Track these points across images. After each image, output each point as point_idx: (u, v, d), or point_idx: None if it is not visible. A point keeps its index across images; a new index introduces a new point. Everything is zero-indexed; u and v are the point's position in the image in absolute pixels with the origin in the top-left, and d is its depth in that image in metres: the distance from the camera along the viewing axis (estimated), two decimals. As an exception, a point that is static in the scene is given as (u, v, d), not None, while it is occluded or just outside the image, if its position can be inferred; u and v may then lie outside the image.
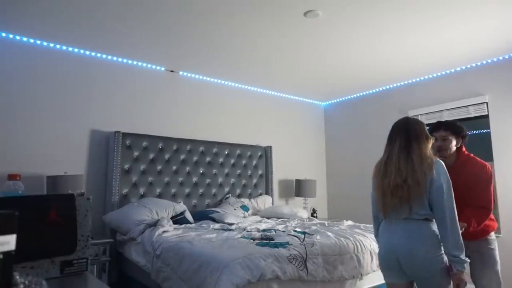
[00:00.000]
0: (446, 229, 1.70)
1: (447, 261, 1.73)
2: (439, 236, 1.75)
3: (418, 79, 4.33)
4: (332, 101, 5.45)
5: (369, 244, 2.58)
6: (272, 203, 4.47)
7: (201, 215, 3.55)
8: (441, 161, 1.85)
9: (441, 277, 1.72)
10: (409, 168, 1.78)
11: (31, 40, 3.17)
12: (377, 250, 2.57)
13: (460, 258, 1.67)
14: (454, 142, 2.23)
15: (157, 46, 3.35)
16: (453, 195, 1.76)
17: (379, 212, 1.97)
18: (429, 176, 1.75)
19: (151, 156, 3.65)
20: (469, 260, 1.72)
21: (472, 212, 2.07)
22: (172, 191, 3.76)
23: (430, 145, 1.87)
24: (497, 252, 2.20)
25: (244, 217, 3.72)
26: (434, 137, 2.14)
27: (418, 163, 1.77)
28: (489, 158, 3.58)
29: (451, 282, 1.72)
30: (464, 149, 2.29)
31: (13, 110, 3.05)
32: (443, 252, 1.74)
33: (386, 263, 1.87)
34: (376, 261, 2.53)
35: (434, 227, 1.78)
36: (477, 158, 2.26)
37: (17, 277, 0.58)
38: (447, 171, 1.80)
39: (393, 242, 1.82)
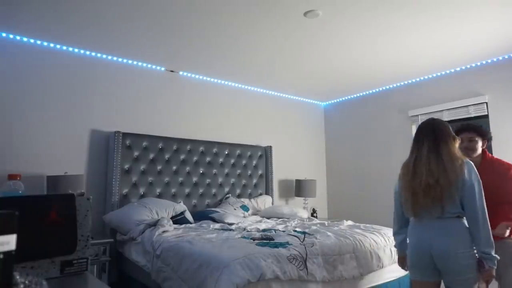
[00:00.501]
0: (478, 228, 1.76)
1: (476, 256, 1.78)
2: (465, 231, 1.80)
3: (418, 79, 4.33)
4: (332, 101, 5.45)
5: (369, 244, 2.58)
6: (272, 203, 4.47)
7: (201, 215, 3.56)
8: (471, 161, 1.89)
9: (472, 272, 1.77)
10: (440, 169, 1.82)
11: (31, 40, 3.17)
12: (377, 250, 2.58)
13: (491, 255, 1.73)
14: (480, 143, 2.32)
15: (157, 46, 3.35)
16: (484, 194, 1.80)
17: (407, 211, 1.99)
18: (460, 176, 1.79)
19: (151, 156, 3.65)
20: (499, 258, 1.77)
21: (509, 210, 2.14)
22: (172, 191, 3.76)
23: (457, 145, 1.92)
24: None
25: (244, 217, 3.72)
26: (460, 138, 2.22)
27: (449, 164, 1.81)
28: (489, 158, 3.58)
29: (479, 278, 1.78)
30: (487, 151, 2.38)
31: (13, 110, 3.05)
32: (474, 248, 1.79)
33: (418, 260, 1.90)
34: (376, 261, 2.53)
35: (466, 223, 1.83)
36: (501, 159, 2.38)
37: (17, 277, 0.58)
38: (477, 172, 1.85)
39: (426, 239, 1.86)
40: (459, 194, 1.80)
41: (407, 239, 2.03)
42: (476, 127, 2.35)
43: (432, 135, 1.91)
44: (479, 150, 2.33)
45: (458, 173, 1.79)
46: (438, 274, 1.87)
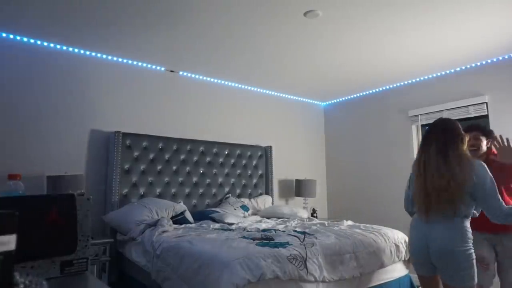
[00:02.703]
0: (502, 222, 1.81)
1: (473, 254, 1.84)
2: (470, 232, 1.86)
3: (418, 79, 4.32)
4: (332, 101, 5.45)
5: (369, 244, 2.58)
6: (272, 203, 4.47)
7: (201, 215, 3.55)
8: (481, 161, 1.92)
9: (468, 270, 1.81)
10: (450, 171, 1.84)
11: (31, 40, 3.17)
12: (377, 250, 2.58)
13: None
14: (484, 142, 2.42)
15: (157, 46, 3.35)
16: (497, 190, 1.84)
17: (419, 210, 2.00)
18: (470, 177, 1.81)
19: (151, 156, 3.65)
20: None
21: None
22: (172, 191, 3.76)
23: (466, 145, 1.94)
24: None
25: (244, 217, 3.72)
26: (467, 138, 2.30)
27: (458, 166, 1.83)
28: (489, 158, 3.58)
29: (475, 276, 1.82)
30: (491, 151, 2.47)
31: (13, 110, 3.05)
32: (471, 246, 1.84)
33: (419, 256, 1.96)
34: (376, 261, 2.53)
35: (467, 223, 1.88)
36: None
37: (17, 277, 0.58)
38: (488, 170, 1.87)
39: (427, 237, 1.90)
40: (472, 195, 1.83)
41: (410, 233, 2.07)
42: (479, 126, 2.48)
43: (441, 136, 1.92)
44: (484, 149, 2.43)
45: (467, 174, 1.81)
46: (437, 268, 1.93)
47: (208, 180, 4.05)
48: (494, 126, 3.60)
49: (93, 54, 3.51)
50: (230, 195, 4.15)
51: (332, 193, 5.31)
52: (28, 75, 3.14)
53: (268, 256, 2.01)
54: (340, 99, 5.32)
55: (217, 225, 3.15)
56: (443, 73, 4.08)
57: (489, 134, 2.45)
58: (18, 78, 3.09)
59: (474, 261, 1.84)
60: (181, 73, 4.11)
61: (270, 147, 4.65)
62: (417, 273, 2.04)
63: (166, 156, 3.76)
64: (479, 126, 2.51)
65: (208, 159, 4.08)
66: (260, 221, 3.53)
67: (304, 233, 2.69)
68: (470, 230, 1.88)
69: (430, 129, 2.01)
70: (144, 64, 3.83)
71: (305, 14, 2.71)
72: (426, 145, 1.98)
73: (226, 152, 4.25)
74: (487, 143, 2.44)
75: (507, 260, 2.30)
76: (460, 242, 1.82)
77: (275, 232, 2.78)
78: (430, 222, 1.91)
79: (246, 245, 2.22)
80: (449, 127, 1.94)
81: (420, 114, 4.21)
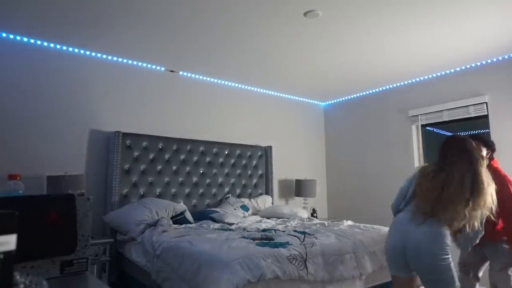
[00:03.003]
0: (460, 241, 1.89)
1: (450, 260, 1.83)
2: (449, 239, 1.87)
3: (418, 79, 4.32)
4: (332, 101, 5.45)
5: (369, 244, 2.58)
6: (272, 203, 4.47)
7: (201, 215, 3.55)
8: None
9: (444, 274, 1.80)
10: (475, 192, 1.83)
11: (31, 40, 3.17)
12: (377, 250, 2.58)
13: None
14: (484, 153, 2.48)
15: (157, 46, 3.35)
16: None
17: (418, 206, 1.98)
18: (485, 204, 1.83)
19: (151, 156, 3.65)
20: None
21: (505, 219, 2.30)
22: (172, 191, 3.76)
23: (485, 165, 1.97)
24: None
25: (244, 217, 3.72)
26: None
27: (485, 189, 1.83)
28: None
29: (455, 282, 1.82)
30: (494, 160, 2.55)
31: (13, 110, 3.05)
32: (449, 252, 1.84)
33: (394, 254, 1.96)
34: (376, 261, 2.53)
35: (449, 233, 1.88)
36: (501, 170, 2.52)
37: (18, 277, 0.58)
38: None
39: (406, 237, 1.90)
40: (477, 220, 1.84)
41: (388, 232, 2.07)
42: (480, 137, 2.56)
43: (466, 156, 1.91)
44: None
45: (493, 197, 1.83)
46: (412, 268, 1.93)
47: (208, 180, 4.05)
48: (494, 126, 3.61)
49: (93, 54, 3.51)
50: (230, 195, 4.15)
51: (332, 193, 5.30)
52: (28, 75, 3.14)
53: (268, 256, 2.01)
54: (340, 99, 5.32)
55: (217, 225, 3.15)
56: (443, 73, 4.08)
57: (489, 145, 2.52)
58: (18, 78, 3.09)
59: (452, 266, 1.83)
60: (181, 73, 4.11)
61: (270, 147, 4.65)
62: (391, 273, 2.02)
63: (166, 156, 3.76)
64: (477, 136, 2.58)
65: (208, 159, 4.08)
66: (260, 221, 3.54)
67: (304, 233, 2.69)
68: (449, 239, 1.89)
69: (452, 148, 1.99)
70: (144, 64, 3.83)
71: (305, 14, 2.71)
72: (447, 163, 1.94)
73: (226, 152, 4.25)
74: (487, 154, 2.49)
75: (493, 256, 2.40)
76: (438, 248, 1.82)
77: (275, 232, 2.78)
78: (420, 225, 1.89)
79: (246, 245, 2.22)
80: (472, 148, 1.96)
81: (420, 114, 4.21)
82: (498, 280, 2.36)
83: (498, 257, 2.36)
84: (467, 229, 1.85)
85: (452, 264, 1.83)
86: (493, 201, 1.84)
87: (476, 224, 1.83)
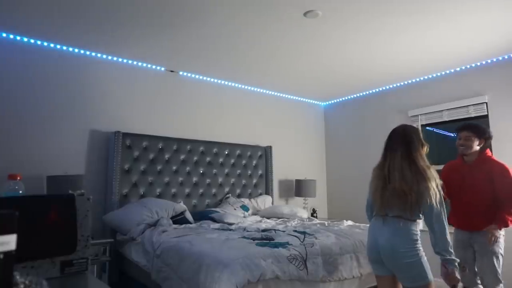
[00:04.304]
0: (436, 235, 1.87)
1: (423, 255, 1.87)
2: (418, 235, 1.91)
3: (418, 79, 4.33)
4: (332, 101, 5.45)
5: (369, 244, 2.57)
6: (272, 203, 4.47)
7: (201, 215, 3.55)
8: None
9: (416, 270, 1.84)
10: (414, 177, 1.89)
11: (31, 40, 3.17)
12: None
13: (451, 258, 1.86)
14: (476, 143, 2.46)
15: (157, 46, 3.35)
16: (444, 204, 1.91)
17: (377, 210, 2.05)
18: (431, 185, 1.86)
19: (151, 156, 3.65)
20: (458, 260, 1.89)
21: (503, 208, 2.32)
22: (172, 191, 3.76)
23: (425, 152, 2.00)
24: (501, 246, 2.39)
25: (244, 217, 3.72)
26: (459, 137, 2.48)
27: (423, 173, 1.88)
28: (489, 158, 3.59)
29: (428, 275, 1.85)
30: (488, 150, 2.52)
31: (13, 110, 3.05)
32: (419, 247, 1.88)
33: (372, 256, 2.02)
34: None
35: (416, 227, 1.92)
36: (496, 159, 2.52)
37: (17, 277, 0.58)
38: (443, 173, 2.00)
39: (379, 238, 1.95)
40: (424, 202, 1.87)
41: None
42: (473, 127, 2.50)
43: (404, 142, 1.97)
44: (475, 148, 2.47)
45: (430, 182, 1.86)
46: (389, 268, 1.96)
47: (208, 180, 4.05)
48: (494, 126, 3.60)
49: (93, 54, 3.51)
50: (230, 195, 4.15)
51: (332, 193, 5.30)
52: (28, 75, 3.14)
53: (268, 256, 2.01)
54: (340, 99, 5.32)
55: (217, 225, 3.15)
56: (443, 73, 4.08)
57: (482, 134, 2.47)
58: (18, 78, 3.09)
59: (424, 260, 1.86)
60: (181, 73, 4.11)
61: (270, 147, 4.65)
62: (374, 273, 2.08)
63: (166, 156, 3.76)
64: (470, 125, 2.53)
65: (208, 159, 4.08)
66: (260, 221, 3.54)
67: (304, 233, 2.69)
68: (417, 232, 1.92)
69: (392, 136, 2.06)
70: (144, 64, 3.83)
71: (305, 14, 2.71)
72: (390, 150, 2.01)
73: (226, 152, 4.25)
74: (479, 143, 2.46)
75: (483, 252, 2.41)
76: (405, 244, 1.86)
77: (275, 232, 2.78)
78: (384, 223, 1.95)
79: (246, 245, 2.22)
80: (411, 134, 2.00)
81: (420, 114, 4.21)
82: (485, 270, 2.39)
83: (484, 246, 2.38)
84: (427, 208, 1.87)
85: (423, 259, 1.86)
86: (437, 184, 1.87)
87: (434, 202, 1.84)
